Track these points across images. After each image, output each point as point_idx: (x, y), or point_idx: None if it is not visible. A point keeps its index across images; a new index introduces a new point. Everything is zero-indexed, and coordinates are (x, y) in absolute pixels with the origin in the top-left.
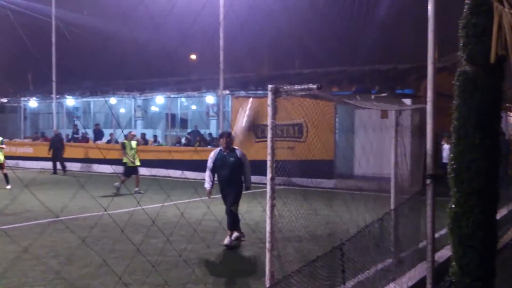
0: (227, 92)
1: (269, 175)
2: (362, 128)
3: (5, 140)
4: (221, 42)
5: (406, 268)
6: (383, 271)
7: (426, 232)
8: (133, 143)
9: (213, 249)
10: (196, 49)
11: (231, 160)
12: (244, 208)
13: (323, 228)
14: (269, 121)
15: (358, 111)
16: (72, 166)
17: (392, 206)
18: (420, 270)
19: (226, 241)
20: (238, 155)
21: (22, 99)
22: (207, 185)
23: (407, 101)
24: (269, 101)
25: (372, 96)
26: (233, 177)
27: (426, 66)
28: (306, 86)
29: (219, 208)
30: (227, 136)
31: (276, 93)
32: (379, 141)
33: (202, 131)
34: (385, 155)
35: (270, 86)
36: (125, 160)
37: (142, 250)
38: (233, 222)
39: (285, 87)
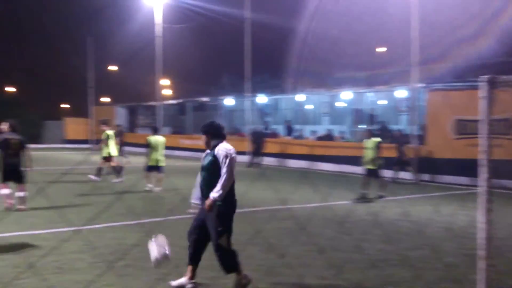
0: (421, 85)
1: (484, 175)
2: None
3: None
4: (413, 32)
5: None
6: None
7: None
8: (371, 142)
9: (412, 252)
10: (386, 41)
11: (205, 162)
12: (447, 211)
13: None
14: (483, 116)
15: None
16: (266, 160)
17: None
18: None
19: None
20: (215, 153)
21: (220, 98)
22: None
23: None
24: (483, 93)
25: None
26: (208, 189)
27: None
28: None
29: (416, 210)
30: (204, 131)
31: (492, 84)
32: None
33: (390, 127)
34: None
35: (484, 76)
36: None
37: (336, 246)
38: (228, 261)
39: (503, 77)
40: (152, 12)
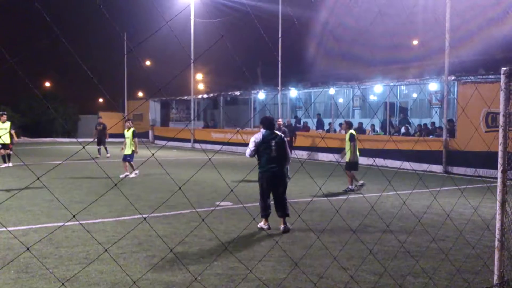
0: (453, 77)
1: (500, 167)
2: None
3: (239, 129)
4: (447, 24)
5: None
6: None
7: None
8: (348, 134)
9: (433, 243)
10: (418, 33)
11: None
12: (473, 203)
13: None
14: (501, 108)
15: None
16: (296, 154)
17: None
18: None
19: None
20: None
21: (252, 91)
22: None
23: None
24: (502, 85)
25: None
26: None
27: None
28: None
29: (442, 202)
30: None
31: (510, 76)
32: None
33: (423, 121)
34: None
35: (503, 68)
36: None
37: (360, 237)
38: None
39: None
40: (186, 8)
